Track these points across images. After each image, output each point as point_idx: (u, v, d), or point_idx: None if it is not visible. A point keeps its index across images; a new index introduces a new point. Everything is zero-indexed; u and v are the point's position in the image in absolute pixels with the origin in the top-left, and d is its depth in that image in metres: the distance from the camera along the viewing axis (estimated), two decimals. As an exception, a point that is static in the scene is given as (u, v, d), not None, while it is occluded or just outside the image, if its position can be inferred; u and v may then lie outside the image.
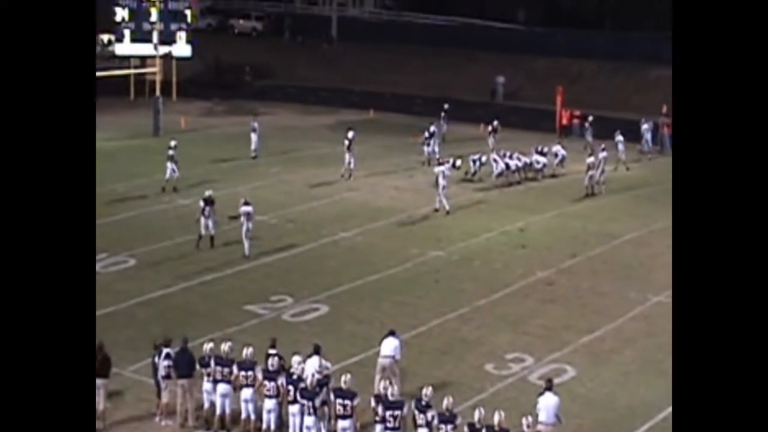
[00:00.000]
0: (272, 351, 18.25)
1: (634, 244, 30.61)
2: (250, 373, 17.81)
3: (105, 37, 56.21)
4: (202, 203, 28.60)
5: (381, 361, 19.38)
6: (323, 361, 18.19)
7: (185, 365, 18.34)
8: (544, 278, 27.11)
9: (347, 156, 37.19)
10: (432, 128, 40.80)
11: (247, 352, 18.03)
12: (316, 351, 18.41)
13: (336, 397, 16.97)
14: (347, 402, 16.84)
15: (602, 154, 37.01)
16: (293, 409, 17.41)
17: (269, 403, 17.64)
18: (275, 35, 72.37)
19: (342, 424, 16.89)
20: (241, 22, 73.85)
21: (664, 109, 45.79)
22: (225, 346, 18.24)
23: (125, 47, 53.34)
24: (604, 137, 41.40)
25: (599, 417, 19.23)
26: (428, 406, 16.48)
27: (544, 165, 38.69)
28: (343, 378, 17.18)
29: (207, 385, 18.20)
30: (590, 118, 43.45)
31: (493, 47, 64.58)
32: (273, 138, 43.47)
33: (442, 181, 32.97)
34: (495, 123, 43.24)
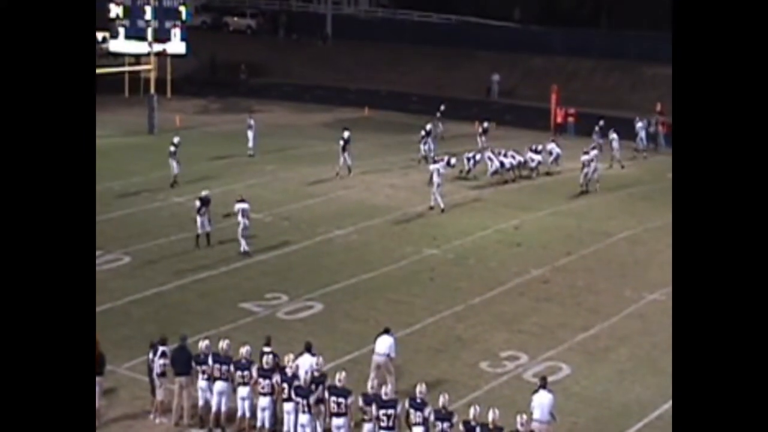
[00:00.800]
0: (267, 349, 18.23)
1: (629, 242, 30.64)
2: (246, 372, 17.78)
3: (100, 35, 56.13)
4: (197, 203, 28.57)
5: (375, 358, 19.39)
6: (320, 359, 18.17)
7: (183, 363, 18.31)
8: (539, 276, 27.12)
9: (342, 156, 37.09)
10: (428, 127, 40.71)
11: (243, 350, 18.00)
12: (308, 349, 18.40)
13: (331, 395, 16.96)
14: (342, 400, 16.83)
15: (594, 153, 37.01)
16: (288, 407, 17.40)
17: (264, 401, 17.62)
18: (270, 33, 72.35)
19: (337, 422, 16.89)
20: (236, 19, 73.80)
21: (659, 107, 45.90)
22: (223, 344, 18.21)
23: (120, 44, 53.26)
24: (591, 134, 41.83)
25: (594, 415, 19.24)
26: (424, 404, 16.48)
27: (539, 163, 38.71)
28: (337, 376, 17.17)
29: (202, 383, 18.17)
30: (601, 122, 43.06)
31: (489, 45, 64.58)
32: (268, 136, 43.45)
33: (436, 179, 32.98)
34: (485, 124, 43.13)
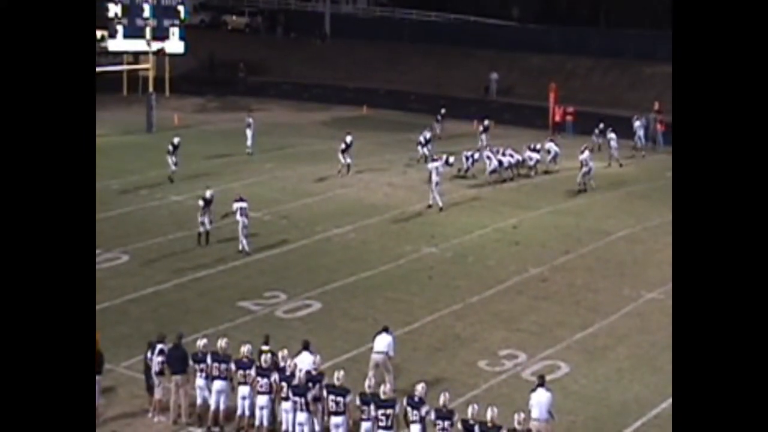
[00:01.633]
0: (265, 347, 18.23)
1: (627, 241, 30.65)
2: (247, 371, 17.76)
3: (98, 33, 56.11)
4: (201, 202, 28.52)
5: (374, 357, 19.40)
6: (317, 357, 18.18)
7: (179, 361, 18.30)
8: (537, 275, 27.13)
9: (342, 158, 37.07)
10: (428, 135, 40.39)
11: (244, 349, 17.98)
12: (306, 347, 18.40)
13: (329, 393, 16.97)
14: (340, 399, 16.83)
15: (587, 153, 37.04)
16: (286, 405, 17.40)
17: (262, 400, 17.61)
18: (269, 32, 72.35)
19: (335, 420, 16.90)
20: (234, 18, 73.80)
21: (657, 106, 45.92)
22: (222, 342, 18.21)
23: (118, 43, 53.20)
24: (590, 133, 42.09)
25: (592, 413, 19.25)
26: (422, 402, 16.48)
27: (537, 161, 38.71)
28: (336, 375, 17.18)
29: (200, 382, 18.17)
30: (601, 124, 43.10)
31: (487, 44, 64.59)
32: (267, 134, 43.45)
33: (435, 178, 32.99)
34: (486, 122, 43.19)
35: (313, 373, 17.53)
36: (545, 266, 27.74)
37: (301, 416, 17.08)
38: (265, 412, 17.66)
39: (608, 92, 56.62)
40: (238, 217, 27.79)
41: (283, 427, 17.49)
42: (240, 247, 27.73)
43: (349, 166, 37.17)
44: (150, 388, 18.62)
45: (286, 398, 17.39)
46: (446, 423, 16.12)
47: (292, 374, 17.47)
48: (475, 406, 16.18)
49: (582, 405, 19.52)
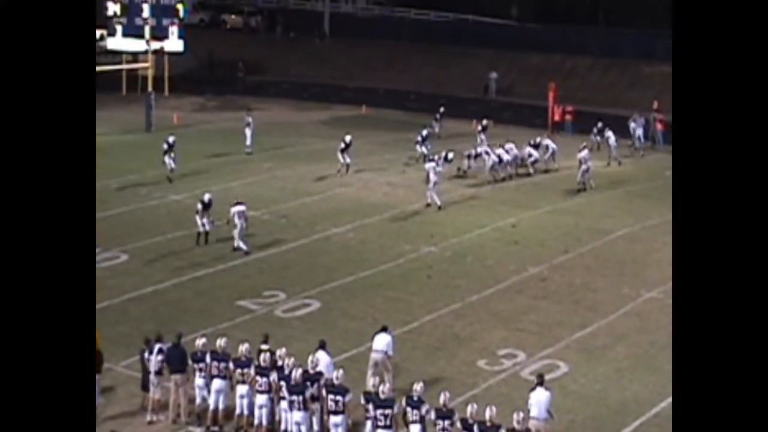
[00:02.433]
0: (264, 347, 18.22)
1: (626, 240, 30.65)
2: (246, 370, 17.77)
3: (97, 33, 56.11)
4: (199, 205, 28.46)
5: (373, 356, 19.39)
6: (328, 356, 18.23)
7: (178, 360, 18.31)
8: (536, 274, 27.13)
9: (342, 157, 37.10)
10: (424, 132, 40.48)
11: (243, 348, 17.99)
12: (322, 346, 18.40)
13: (328, 393, 16.97)
14: (339, 398, 16.83)
15: (585, 152, 37.06)
16: (285, 404, 17.39)
17: (261, 399, 17.62)
18: (268, 31, 72.33)
19: (334, 419, 16.90)
20: (233, 17, 73.80)
21: (656, 105, 45.90)
22: (221, 342, 18.20)
23: (117, 42, 53.20)
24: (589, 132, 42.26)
25: (591, 413, 19.25)
26: (421, 402, 16.48)
27: (536, 160, 38.70)
28: (335, 374, 17.19)
29: (199, 381, 18.17)
30: (600, 123, 43.22)
31: (487, 43, 64.56)
32: (266, 134, 43.45)
33: (433, 177, 33.01)
34: (485, 122, 43.14)
35: (326, 373, 17.50)
36: (544, 265, 27.75)
37: (298, 415, 17.08)
38: (264, 411, 17.66)
39: (607, 91, 56.61)
40: (236, 220, 27.77)
41: (282, 426, 17.49)
42: (235, 245, 27.72)
43: (348, 165, 37.17)
44: (145, 386, 18.60)
45: (285, 397, 17.39)
46: (446, 422, 16.11)
47: (291, 373, 17.49)
48: (474, 406, 16.17)
49: (581, 404, 19.52)
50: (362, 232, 30.49)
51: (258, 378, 17.60)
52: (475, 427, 15.83)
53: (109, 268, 26.41)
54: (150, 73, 48.30)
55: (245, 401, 17.84)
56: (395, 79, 61.37)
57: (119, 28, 52.82)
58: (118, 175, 35.77)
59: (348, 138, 37.46)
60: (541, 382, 17.47)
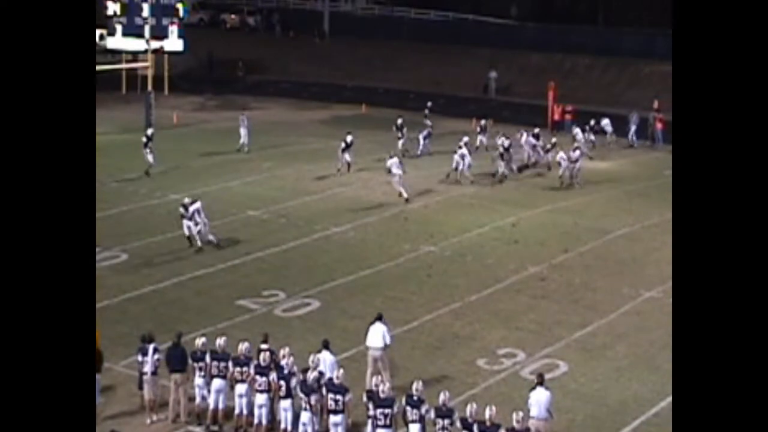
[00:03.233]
0: (264, 346, 18.22)
1: (626, 239, 30.65)
2: (245, 369, 17.77)
3: (97, 32, 56.13)
4: (181, 209, 28.39)
5: (371, 353, 19.40)
6: (332, 356, 18.24)
7: (178, 360, 18.31)
8: (536, 273, 27.13)
9: (342, 157, 37.20)
10: (399, 121, 41.65)
11: (242, 347, 17.99)
12: (326, 346, 18.41)
13: (328, 391, 16.98)
14: (339, 397, 16.84)
15: (578, 153, 37.24)
16: (285, 404, 17.40)
17: (261, 398, 17.62)
18: (268, 30, 72.34)
19: (334, 419, 16.90)
20: (233, 16, 73.80)
21: (656, 104, 45.96)
22: (221, 341, 18.20)
23: (117, 42, 53.22)
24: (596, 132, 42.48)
25: (591, 412, 19.25)
26: (421, 401, 16.48)
27: (536, 162, 38.82)
28: (335, 373, 17.19)
29: (199, 380, 18.17)
30: (592, 121, 43.55)
31: (486, 42, 64.60)
32: (266, 133, 43.46)
33: (396, 171, 33.68)
34: (483, 122, 43.04)
35: (329, 372, 17.51)
36: (544, 265, 27.75)
37: (305, 416, 17.08)
38: (264, 411, 17.67)
39: (607, 91, 56.59)
40: (198, 218, 27.80)
41: (282, 426, 17.50)
42: (200, 244, 27.80)
43: (350, 164, 37.24)
44: (142, 386, 18.60)
45: (285, 397, 17.40)
46: (446, 421, 16.12)
47: (291, 373, 17.49)
48: (474, 405, 16.17)
49: (581, 403, 19.52)
50: (362, 232, 30.50)
51: (257, 377, 17.60)
52: (475, 427, 15.83)
53: (109, 267, 26.42)
54: (150, 72, 48.29)
55: (244, 400, 17.84)
56: (395, 79, 61.35)
57: (119, 28, 52.86)
58: (117, 175, 35.80)
59: (349, 138, 37.56)
60: (541, 381, 17.47)
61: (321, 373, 17.52)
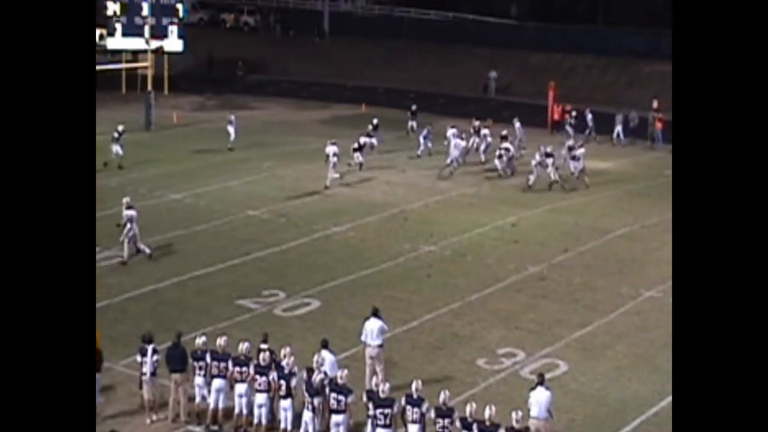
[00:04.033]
0: (264, 346, 18.22)
1: (626, 239, 30.66)
2: (245, 368, 17.77)
3: (97, 32, 56.12)
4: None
5: (368, 350, 19.40)
6: (332, 356, 18.23)
7: (178, 360, 18.30)
8: (536, 273, 27.13)
9: (355, 155, 37.79)
10: (374, 121, 42.21)
11: (242, 347, 17.98)
12: (325, 345, 18.40)
13: (331, 392, 16.97)
14: (342, 398, 16.83)
15: (581, 150, 37.36)
16: (285, 403, 17.40)
17: (260, 398, 17.62)
18: (267, 30, 72.33)
19: (336, 418, 16.90)
20: (232, 16, 73.82)
21: (655, 104, 45.98)
22: (221, 341, 18.19)
23: (117, 42, 53.24)
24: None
25: (591, 412, 19.25)
26: (421, 400, 16.48)
27: (537, 163, 38.83)
28: (339, 373, 17.17)
29: (199, 380, 18.17)
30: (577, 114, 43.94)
31: (486, 42, 64.65)
32: (265, 132, 43.47)
33: (333, 159, 34.91)
34: (476, 123, 42.75)
35: (330, 372, 17.49)
36: (544, 264, 27.75)
37: (307, 415, 17.07)
38: (264, 411, 17.67)
39: (607, 90, 56.61)
40: (129, 225, 26.80)
41: (282, 426, 17.50)
42: (125, 254, 26.70)
43: (361, 164, 37.50)
44: (142, 386, 18.60)
45: (285, 396, 17.40)
46: (446, 421, 16.12)
47: (291, 373, 17.49)
48: (474, 405, 16.16)
49: (581, 403, 19.52)
50: (362, 231, 30.49)
51: (257, 377, 17.60)
52: (475, 426, 15.83)
53: (109, 266, 26.41)
54: (149, 72, 48.31)
55: (244, 400, 17.83)
56: (395, 78, 61.34)
57: (119, 28, 52.88)
58: (117, 174, 35.79)
59: (362, 140, 38.58)
60: (541, 381, 17.46)
61: (326, 374, 17.50)
